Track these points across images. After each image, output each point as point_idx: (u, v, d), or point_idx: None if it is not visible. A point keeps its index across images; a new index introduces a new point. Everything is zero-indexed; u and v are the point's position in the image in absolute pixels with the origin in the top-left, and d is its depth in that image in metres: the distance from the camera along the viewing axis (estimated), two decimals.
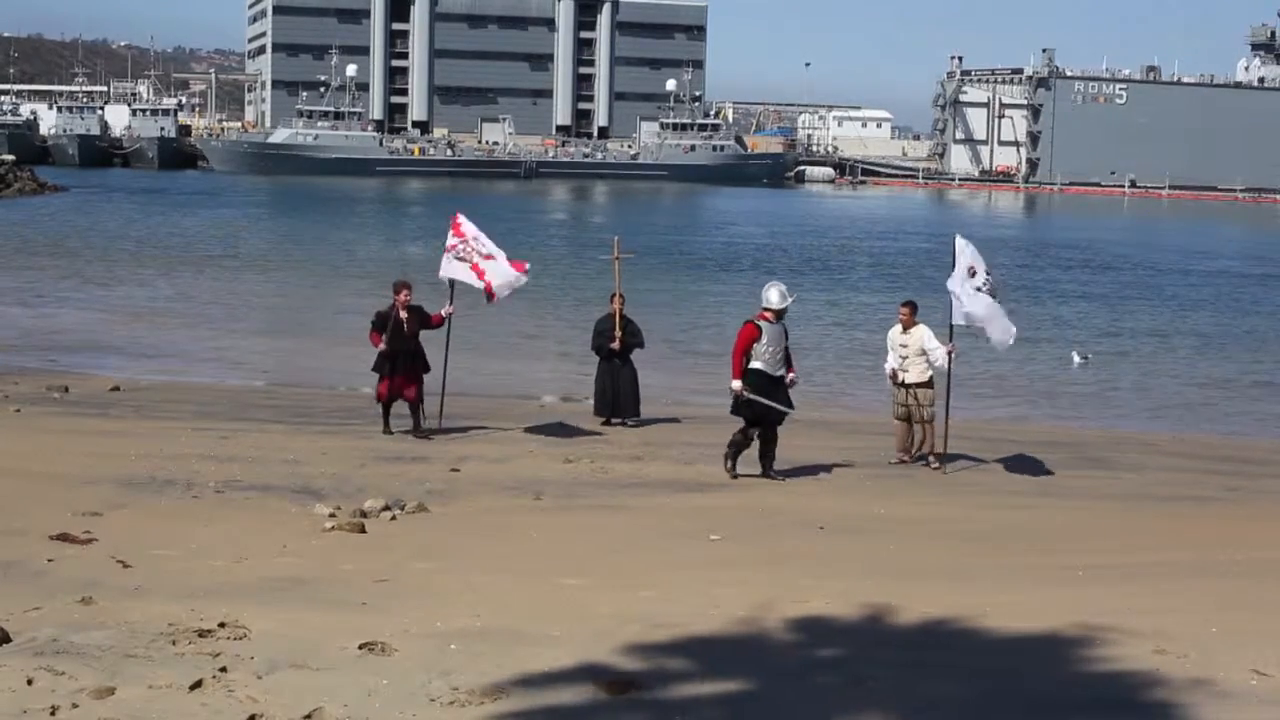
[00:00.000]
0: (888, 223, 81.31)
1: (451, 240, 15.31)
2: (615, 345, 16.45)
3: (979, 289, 13.99)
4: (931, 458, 14.42)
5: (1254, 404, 23.15)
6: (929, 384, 14.39)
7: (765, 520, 11.48)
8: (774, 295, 13.15)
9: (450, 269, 15.21)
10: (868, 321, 30.81)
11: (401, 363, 14.86)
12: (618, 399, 16.58)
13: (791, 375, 13.33)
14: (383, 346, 14.80)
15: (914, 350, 14.31)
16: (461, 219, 15.44)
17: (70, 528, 9.83)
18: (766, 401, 12.95)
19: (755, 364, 12.99)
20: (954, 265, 14.10)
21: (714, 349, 26.58)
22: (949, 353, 14.26)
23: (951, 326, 14.23)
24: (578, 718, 6.34)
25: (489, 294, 15.09)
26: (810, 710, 6.50)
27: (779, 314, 13.14)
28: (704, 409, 18.92)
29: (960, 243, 14.24)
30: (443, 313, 15.10)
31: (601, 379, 16.77)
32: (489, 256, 15.11)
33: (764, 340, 12.99)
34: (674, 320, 30.64)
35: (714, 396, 20.84)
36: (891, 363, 14.51)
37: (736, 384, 13.00)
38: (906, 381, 14.36)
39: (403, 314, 14.87)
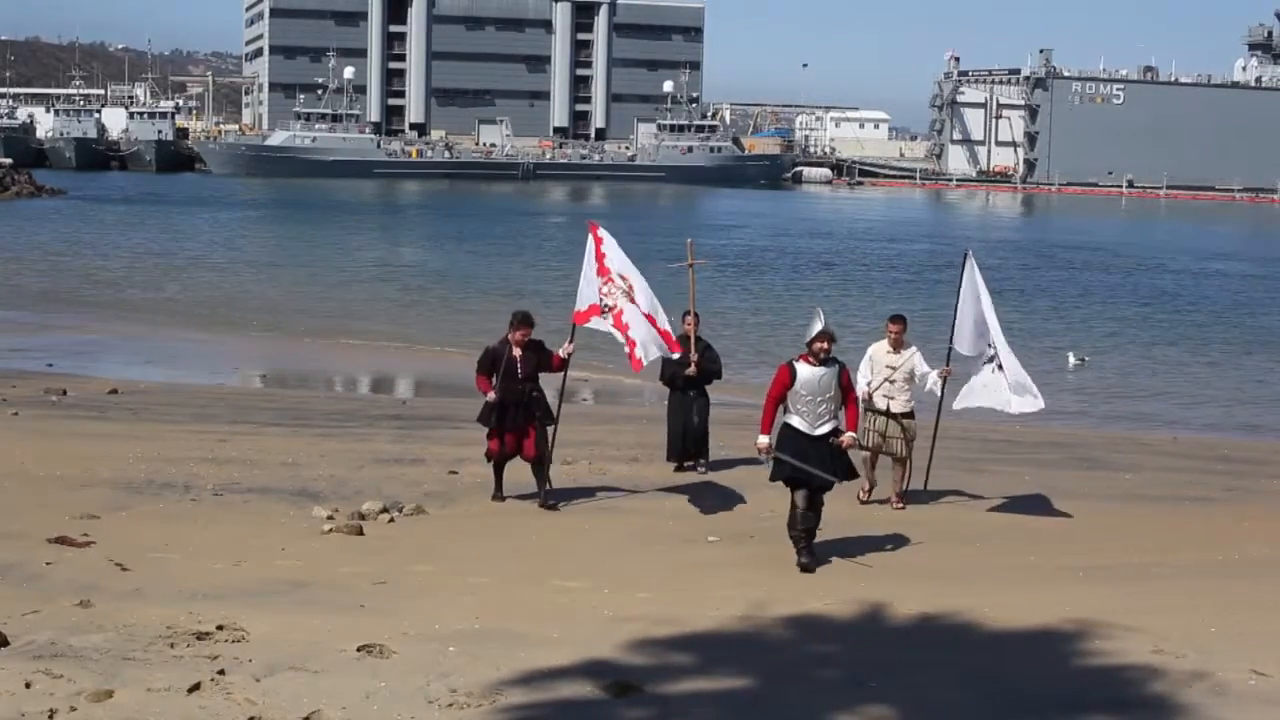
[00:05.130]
0: (890, 225, 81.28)
1: (590, 267, 12.23)
2: (692, 371, 13.66)
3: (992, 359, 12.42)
4: (895, 498, 12.49)
5: (1254, 404, 23.15)
6: (913, 414, 12.44)
7: (762, 522, 11.47)
8: (818, 330, 10.17)
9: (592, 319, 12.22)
10: (880, 329, 30.69)
11: (515, 413, 12.07)
12: (689, 439, 13.84)
13: (845, 438, 10.28)
14: (491, 395, 12.01)
15: (903, 374, 12.35)
16: (603, 234, 12.36)
17: (68, 530, 9.83)
18: (801, 465, 10.12)
19: (791, 418, 10.25)
20: (960, 288, 12.61)
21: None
22: (942, 375, 12.52)
23: (950, 349, 12.85)
24: (577, 719, 6.34)
25: (632, 360, 11.95)
26: (809, 710, 6.51)
27: (823, 356, 10.15)
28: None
29: (971, 275, 12.47)
30: (562, 353, 12.16)
31: (674, 416, 13.94)
32: (630, 298, 12.05)
33: (800, 389, 10.15)
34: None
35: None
36: (863, 385, 12.21)
37: (763, 439, 10.25)
38: (893, 410, 12.27)
39: (517, 352, 12.05)
